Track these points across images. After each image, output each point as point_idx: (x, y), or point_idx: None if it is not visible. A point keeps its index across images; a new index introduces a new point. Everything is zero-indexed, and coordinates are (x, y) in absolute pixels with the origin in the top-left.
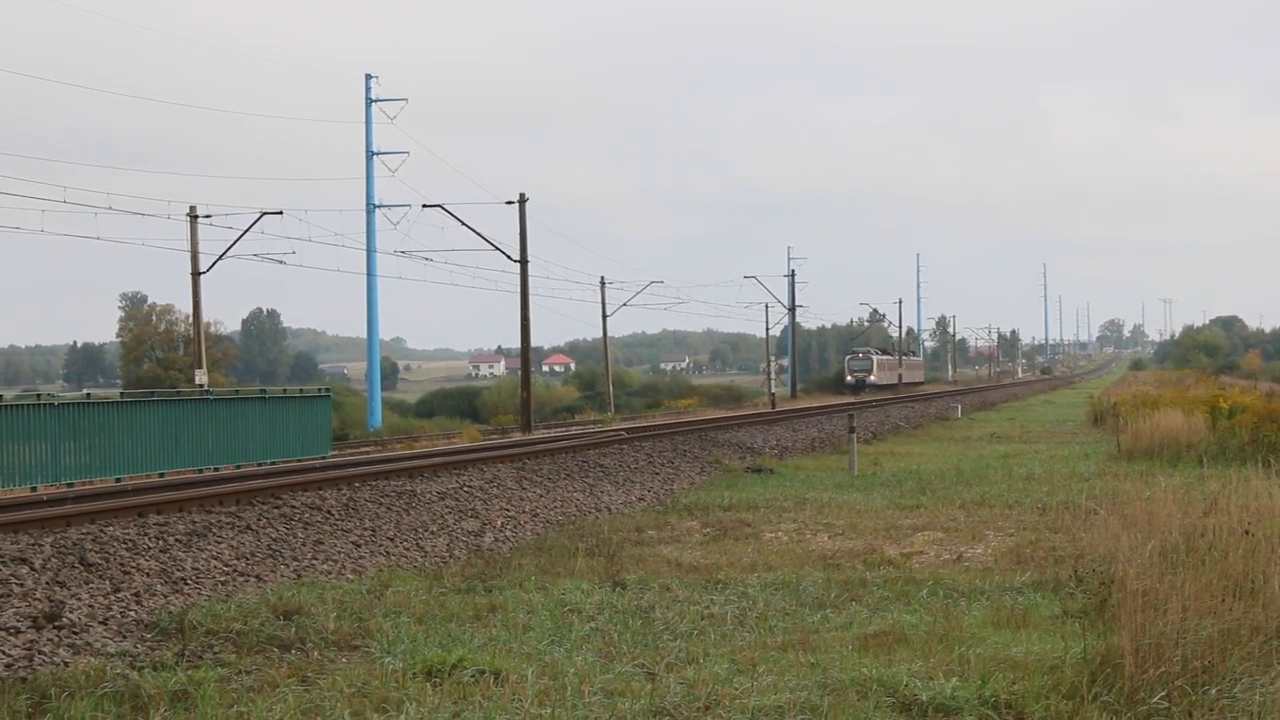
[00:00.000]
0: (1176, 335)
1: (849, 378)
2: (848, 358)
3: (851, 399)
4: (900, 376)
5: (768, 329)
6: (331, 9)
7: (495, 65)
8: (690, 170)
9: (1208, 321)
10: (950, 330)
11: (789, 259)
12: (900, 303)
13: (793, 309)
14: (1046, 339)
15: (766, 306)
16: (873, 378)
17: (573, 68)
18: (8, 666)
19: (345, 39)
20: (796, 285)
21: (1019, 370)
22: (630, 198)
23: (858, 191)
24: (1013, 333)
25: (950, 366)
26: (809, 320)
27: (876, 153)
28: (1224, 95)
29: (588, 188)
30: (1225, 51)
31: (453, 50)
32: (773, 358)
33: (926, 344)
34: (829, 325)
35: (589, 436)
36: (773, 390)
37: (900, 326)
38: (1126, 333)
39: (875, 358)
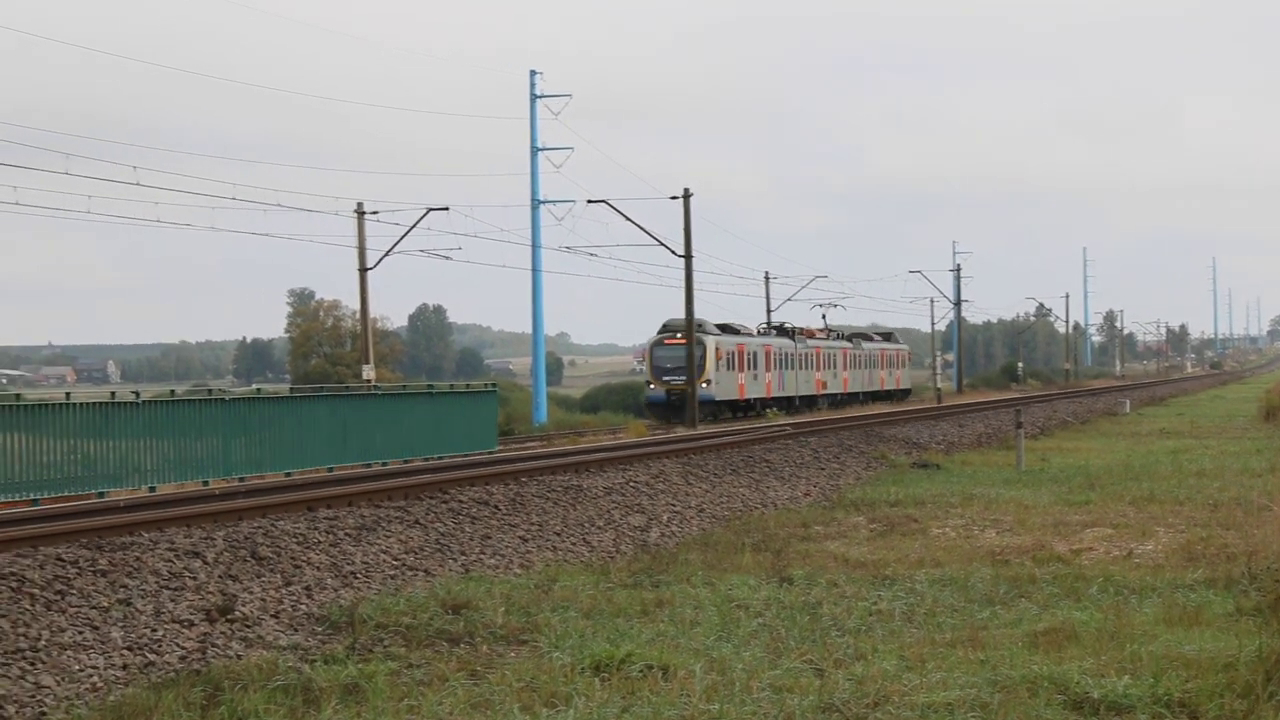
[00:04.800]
0: None
1: (651, 387)
2: (651, 346)
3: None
4: (824, 383)
5: (933, 324)
6: (488, 5)
7: (631, 58)
8: (824, 163)
9: None
10: (1118, 325)
11: (954, 253)
12: (1067, 297)
13: (958, 303)
14: (1216, 333)
15: (931, 301)
16: (704, 388)
17: (705, 60)
18: (182, 659)
19: (497, 34)
20: (961, 279)
21: (1188, 365)
22: (764, 189)
23: (1004, 185)
24: (1181, 327)
25: (1118, 361)
26: (974, 315)
27: (1018, 146)
28: None
29: (728, 179)
30: None
31: (593, 43)
32: (938, 353)
33: (1094, 339)
34: (994, 320)
35: (754, 431)
36: (939, 385)
37: (1067, 322)
38: None
39: (712, 341)
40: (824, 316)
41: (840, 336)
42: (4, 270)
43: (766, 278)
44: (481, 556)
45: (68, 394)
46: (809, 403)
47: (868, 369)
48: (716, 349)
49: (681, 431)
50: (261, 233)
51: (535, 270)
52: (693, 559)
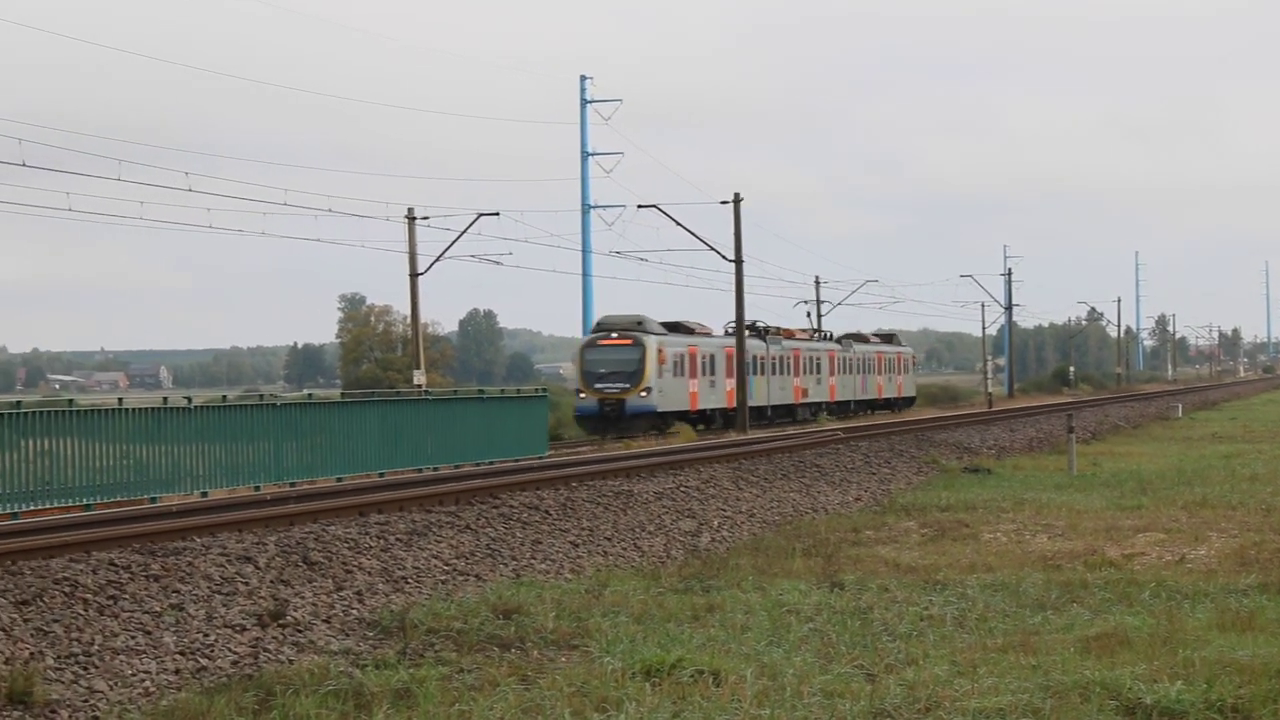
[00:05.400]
0: None
1: (581, 395)
2: (582, 347)
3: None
4: (804, 391)
5: (984, 328)
6: (533, 9)
7: (678, 60)
8: (873, 167)
9: None
10: (1170, 329)
11: (1004, 257)
12: (1119, 301)
13: (1009, 308)
14: (1269, 337)
15: (983, 305)
16: (642, 397)
17: (751, 63)
18: (234, 663)
19: (547, 39)
20: (1013, 284)
21: (1241, 369)
22: (813, 193)
23: (1052, 188)
24: (1234, 331)
25: (1170, 366)
26: (1026, 319)
27: (1065, 149)
28: None
29: (777, 182)
30: None
31: (641, 47)
32: (989, 357)
33: (1146, 343)
34: (1046, 324)
35: (805, 436)
36: (990, 390)
37: (1119, 326)
38: None
39: (653, 341)
40: (809, 315)
41: (828, 338)
42: (57, 275)
43: (817, 282)
44: (532, 561)
45: (120, 399)
46: (786, 414)
47: (861, 374)
48: (659, 351)
49: (733, 436)
50: (313, 238)
51: (585, 275)
52: (743, 564)
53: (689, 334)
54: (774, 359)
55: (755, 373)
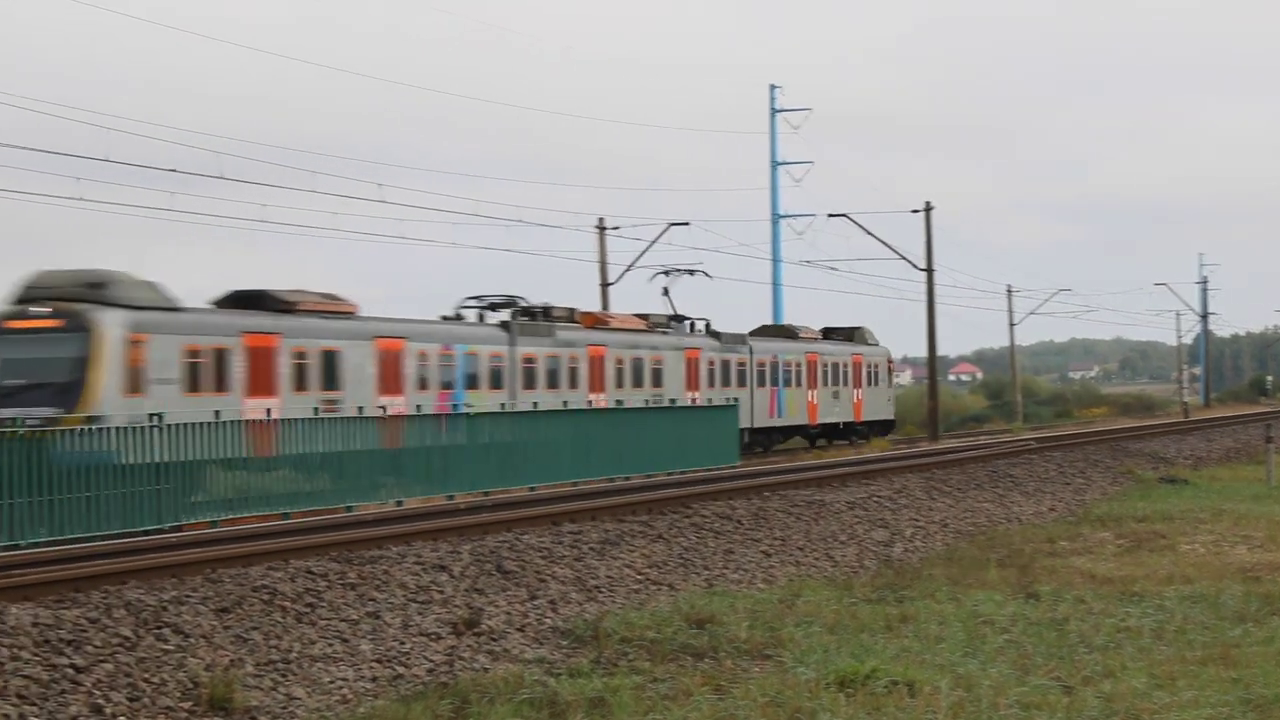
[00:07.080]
0: None
1: None
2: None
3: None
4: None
5: (1179, 337)
6: (725, 19)
7: (860, 66)
8: (1058, 173)
9: None
10: None
11: (1200, 265)
12: None
13: (1205, 316)
14: None
15: (1177, 314)
16: (90, 435)
17: (929, 68)
18: (430, 671)
19: (733, 47)
20: (1208, 292)
21: None
22: (1000, 200)
23: (1245, 195)
24: None
25: None
26: (1222, 328)
27: (1256, 157)
28: None
29: (964, 189)
30: None
31: (825, 53)
32: (1185, 366)
33: None
34: (1242, 333)
35: (997, 446)
36: (1185, 399)
37: None
38: None
39: (112, 322)
40: (666, 291)
41: (705, 331)
42: (251, 284)
43: (1009, 291)
44: (724, 571)
45: (315, 409)
46: None
47: (787, 389)
48: (126, 343)
49: (925, 447)
50: (503, 248)
51: (776, 284)
52: (937, 574)
53: (282, 312)
54: (528, 362)
55: (469, 384)
